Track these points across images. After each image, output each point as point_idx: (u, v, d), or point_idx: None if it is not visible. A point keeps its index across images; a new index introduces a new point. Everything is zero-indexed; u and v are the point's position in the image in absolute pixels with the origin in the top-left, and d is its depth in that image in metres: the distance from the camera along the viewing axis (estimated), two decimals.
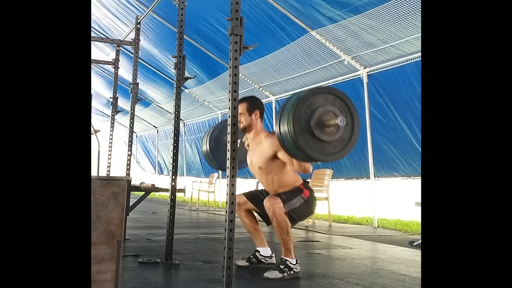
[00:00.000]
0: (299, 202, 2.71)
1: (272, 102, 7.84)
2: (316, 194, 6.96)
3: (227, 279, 2.00)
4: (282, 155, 2.65)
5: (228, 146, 2.08)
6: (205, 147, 3.22)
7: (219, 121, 9.62)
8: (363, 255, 3.62)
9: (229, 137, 2.08)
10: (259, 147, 2.81)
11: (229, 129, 2.08)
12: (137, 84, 4.33)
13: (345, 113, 2.33)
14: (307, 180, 2.92)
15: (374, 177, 5.91)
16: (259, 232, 2.99)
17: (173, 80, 4.47)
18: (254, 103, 2.86)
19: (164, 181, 11.06)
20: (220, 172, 8.53)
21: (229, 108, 2.09)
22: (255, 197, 2.93)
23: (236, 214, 2.12)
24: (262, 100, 8.39)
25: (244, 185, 3.17)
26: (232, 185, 2.06)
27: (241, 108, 2.80)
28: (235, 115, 2.09)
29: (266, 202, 2.64)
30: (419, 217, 5.28)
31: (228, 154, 2.07)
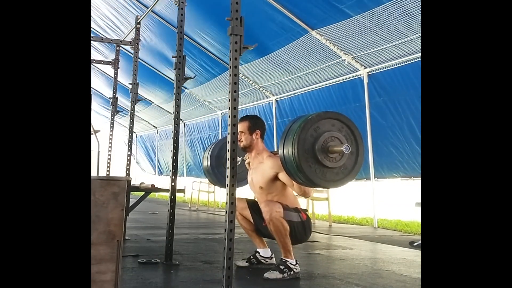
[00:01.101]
0: (297, 219, 2.67)
1: (272, 102, 7.84)
2: (316, 195, 6.90)
3: (227, 280, 1.99)
4: (283, 176, 2.62)
5: (228, 146, 2.07)
6: (206, 163, 3.24)
7: (219, 121, 9.61)
8: (363, 256, 3.62)
9: (229, 137, 2.08)
10: (260, 167, 2.79)
11: (229, 129, 2.08)
12: (137, 84, 4.33)
13: (350, 141, 2.32)
14: (305, 209, 2.88)
15: (374, 177, 5.91)
16: (258, 233, 2.98)
17: (173, 80, 4.47)
18: (255, 123, 2.83)
19: (163, 182, 11.05)
20: None
21: (229, 108, 2.09)
22: (256, 209, 2.87)
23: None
24: (262, 100, 8.39)
25: (244, 190, 3.16)
26: (232, 186, 2.06)
27: (242, 127, 2.77)
28: (235, 115, 2.09)
29: (265, 206, 2.60)
30: (419, 217, 5.28)
31: (228, 155, 2.07)
